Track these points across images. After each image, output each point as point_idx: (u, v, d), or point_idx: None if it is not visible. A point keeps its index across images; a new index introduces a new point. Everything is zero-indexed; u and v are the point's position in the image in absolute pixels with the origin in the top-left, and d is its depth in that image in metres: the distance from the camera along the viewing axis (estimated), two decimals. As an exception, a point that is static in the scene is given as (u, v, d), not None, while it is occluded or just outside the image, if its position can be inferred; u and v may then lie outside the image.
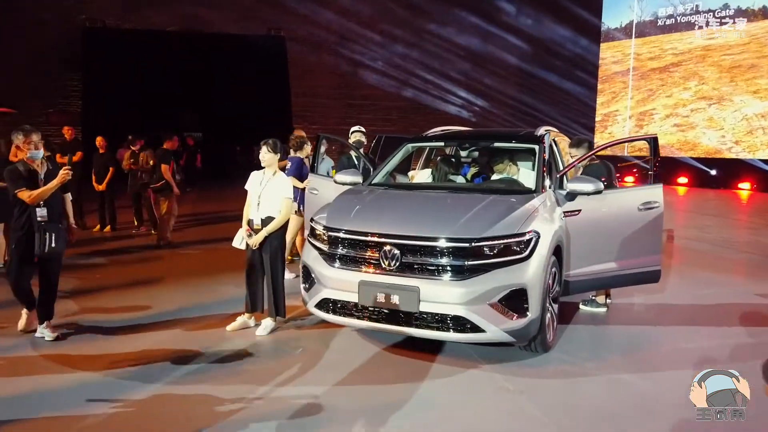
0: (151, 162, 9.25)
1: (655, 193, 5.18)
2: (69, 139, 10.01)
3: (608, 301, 5.82)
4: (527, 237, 4.16)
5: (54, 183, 4.69)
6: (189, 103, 20.62)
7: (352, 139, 7.22)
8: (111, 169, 9.65)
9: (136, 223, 10.09)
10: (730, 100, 19.24)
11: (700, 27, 19.99)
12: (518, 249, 4.12)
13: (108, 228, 9.87)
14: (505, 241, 4.11)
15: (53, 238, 4.69)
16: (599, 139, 21.72)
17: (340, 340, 4.84)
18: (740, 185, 18.72)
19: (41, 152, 4.78)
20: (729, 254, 8.73)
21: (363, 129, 7.39)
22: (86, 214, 10.21)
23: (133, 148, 9.68)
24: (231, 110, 20.58)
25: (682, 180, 19.95)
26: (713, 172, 19.46)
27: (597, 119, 23.01)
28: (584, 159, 5.42)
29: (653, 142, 5.28)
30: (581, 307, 5.76)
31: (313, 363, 4.35)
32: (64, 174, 4.67)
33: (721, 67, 19.49)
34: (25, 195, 4.62)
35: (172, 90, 20.16)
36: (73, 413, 3.55)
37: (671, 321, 5.46)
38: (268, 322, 5.06)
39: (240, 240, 5.13)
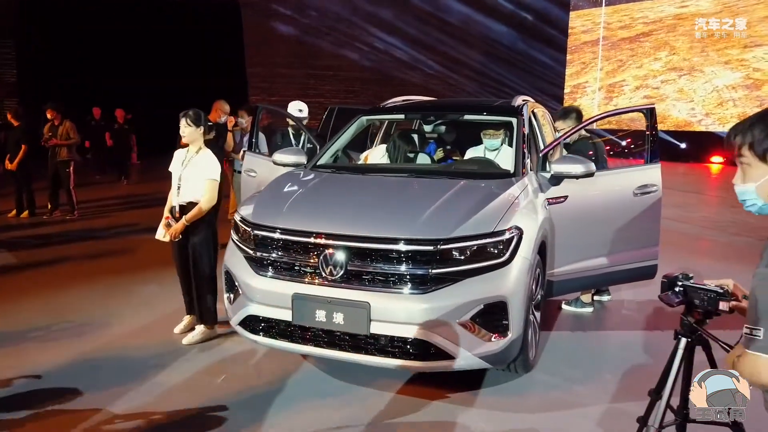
0: (72, 135, 8.08)
1: (652, 174, 4.38)
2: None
3: (595, 299, 5.03)
4: (507, 236, 3.26)
5: None
6: (134, 73, 19.03)
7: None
8: (23, 146, 8.33)
9: (49, 206, 8.72)
10: (701, 70, 18.71)
11: (672, -6, 19.33)
12: (496, 251, 3.23)
13: (26, 213, 8.63)
14: (480, 241, 3.20)
15: None
16: (568, 112, 21.03)
17: (276, 360, 3.90)
18: (713, 159, 18.29)
19: None
20: (720, 237, 8.10)
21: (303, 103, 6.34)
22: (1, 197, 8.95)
23: (51, 118, 8.39)
24: (181, 80, 19.09)
25: (652, 154, 19.46)
26: (683, 146, 19.00)
27: (566, 91, 22.29)
28: (573, 133, 4.55)
29: (650, 113, 4.44)
30: (564, 307, 4.96)
31: (231, 398, 3.41)
32: None
33: (692, 36, 18.89)
34: None
35: (118, 58, 18.60)
36: None
37: (671, 323, 4.67)
38: (200, 329, 4.28)
39: (162, 233, 4.28)
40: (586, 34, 22.16)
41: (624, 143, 18.61)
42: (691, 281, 1.85)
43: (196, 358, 3.97)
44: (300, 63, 22.56)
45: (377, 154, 4.91)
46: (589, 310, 4.90)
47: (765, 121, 1.44)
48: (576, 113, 4.86)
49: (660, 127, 19.19)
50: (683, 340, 1.94)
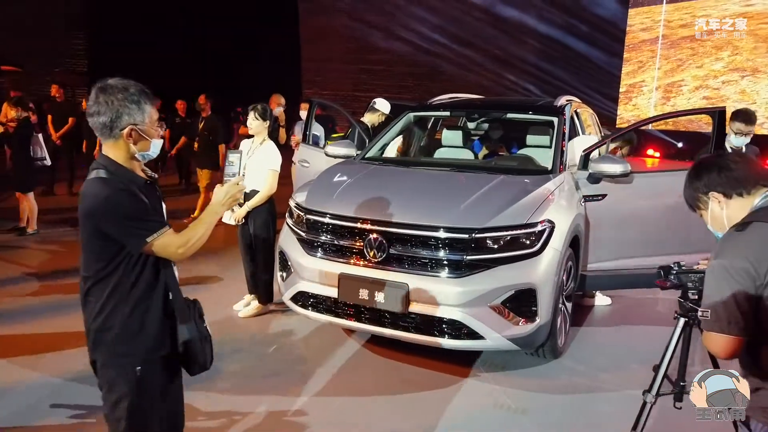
0: None
1: None
2: (59, 101, 9.38)
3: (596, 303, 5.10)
4: (539, 228, 3.50)
5: None
6: (200, 63, 19.87)
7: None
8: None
9: None
10: (765, 72, 18.06)
11: (738, -8, 18.68)
12: (528, 242, 3.47)
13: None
14: (513, 232, 3.46)
15: None
16: (622, 112, 20.66)
17: (322, 334, 4.27)
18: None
19: None
20: None
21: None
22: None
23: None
24: (242, 73, 19.86)
25: (710, 157, 18.91)
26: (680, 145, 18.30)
27: (621, 90, 21.86)
28: (625, 132, 4.66)
29: (719, 116, 4.30)
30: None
31: (281, 366, 3.78)
32: None
33: (758, 36, 18.23)
34: None
35: (182, 49, 19.47)
36: None
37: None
38: (254, 304, 4.69)
39: (229, 215, 4.67)
40: (645, 32, 21.62)
41: (680, 145, 18.15)
42: (683, 267, 2.09)
43: (252, 330, 4.37)
44: (353, 58, 22.93)
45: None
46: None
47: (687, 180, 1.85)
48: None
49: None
50: (681, 320, 2.17)
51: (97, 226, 1.86)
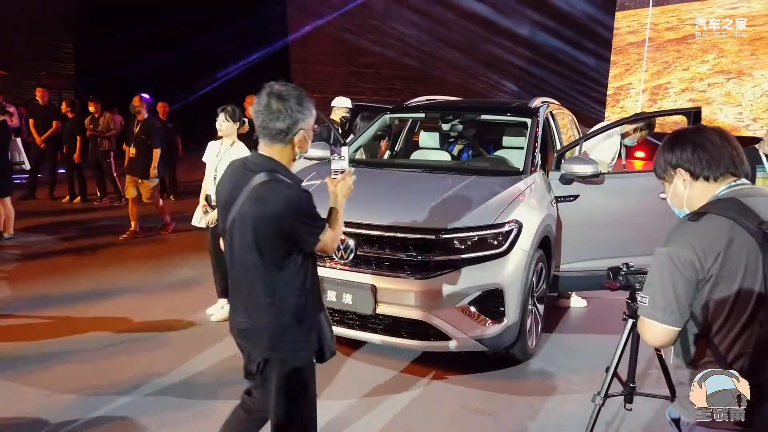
0: (112, 127, 8.59)
1: None
2: (42, 104, 9.29)
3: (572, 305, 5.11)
4: (506, 228, 3.49)
5: None
6: (189, 65, 19.78)
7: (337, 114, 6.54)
8: (78, 137, 8.92)
9: (98, 194, 9.30)
10: (750, 74, 18.21)
11: (722, -5, 18.85)
12: (495, 242, 3.46)
13: (78, 199, 9.26)
14: (480, 233, 3.45)
15: None
16: (610, 114, 20.76)
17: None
18: (758, 165, 17.78)
19: None
20: None
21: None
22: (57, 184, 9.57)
23: (92, 111, 8.89)
24: (232, 74, 19.86)
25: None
26: None
27: (609, 93, 22.00)
28: (599, 133, 4.62)
29: (693, 116, 4.37)
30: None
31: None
32: None
33: (742, 39, 18.40)
34: None
35: (170, 51, 19.37)
36: None
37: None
38: (227, 308, 4.53)
39: (199, 218, 4.66)
40: (631, 35, 21.79)
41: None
42: (632, 269, 2.08)
43: (223, 333, 4.33)
44: (342, 60, 22.95)
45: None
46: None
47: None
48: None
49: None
50: (629, 321, 2.16)
51: (282, 228, 1.93)
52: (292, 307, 1.98)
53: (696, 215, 1.60)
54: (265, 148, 2.02)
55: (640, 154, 18.73)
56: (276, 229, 1.92)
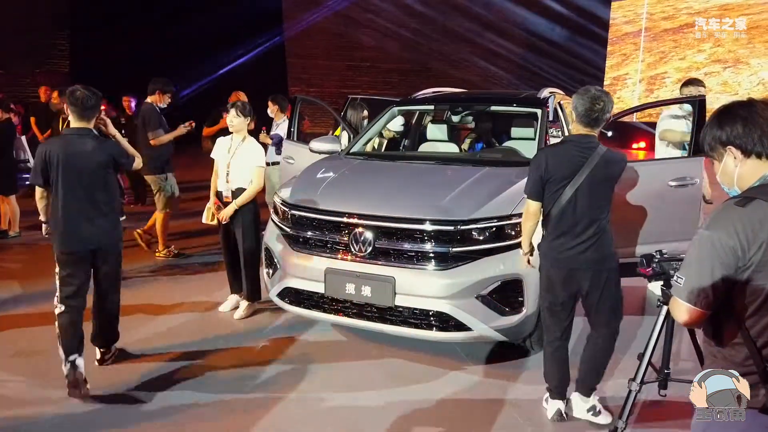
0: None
1: (691, 167, 4.31)
2: (44, 102, 9.20)
3: None
4: (524, 219, 3.50)
5: None
6: (182, 62, 19.66)
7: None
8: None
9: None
10: (747, 63, 18.26)
11: (719, -17, 18.87)
12: (513, 233, 3.48)
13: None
14: (498, 223, 3.46)
15: None
16: (607, 104, 20.76)
17: (309, 330, 4.25)
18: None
19: None
20: None
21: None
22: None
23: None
24: (227, 68, 19.74)
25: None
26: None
27: (606, 83, 22.02)
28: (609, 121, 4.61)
29: (699, 104, 4.38)
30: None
31: (268, 363, 3.76)
32: None
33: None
34: None
35: (166, 46, 19.26)
36: None
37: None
38: (244, 304, 4.59)
39: (209, 215, 4.59)
40: (628, 25, 21.80)
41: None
42: (665, 255, 2.09)
43: (239, 328, 4.34)
44: (339, 54, 22.87)
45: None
46: None
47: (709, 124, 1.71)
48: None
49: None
50: (664, 308, 2.17)
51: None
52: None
53: (744, 199, 1.55)
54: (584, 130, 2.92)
55: (641, 144, 18.79)
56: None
